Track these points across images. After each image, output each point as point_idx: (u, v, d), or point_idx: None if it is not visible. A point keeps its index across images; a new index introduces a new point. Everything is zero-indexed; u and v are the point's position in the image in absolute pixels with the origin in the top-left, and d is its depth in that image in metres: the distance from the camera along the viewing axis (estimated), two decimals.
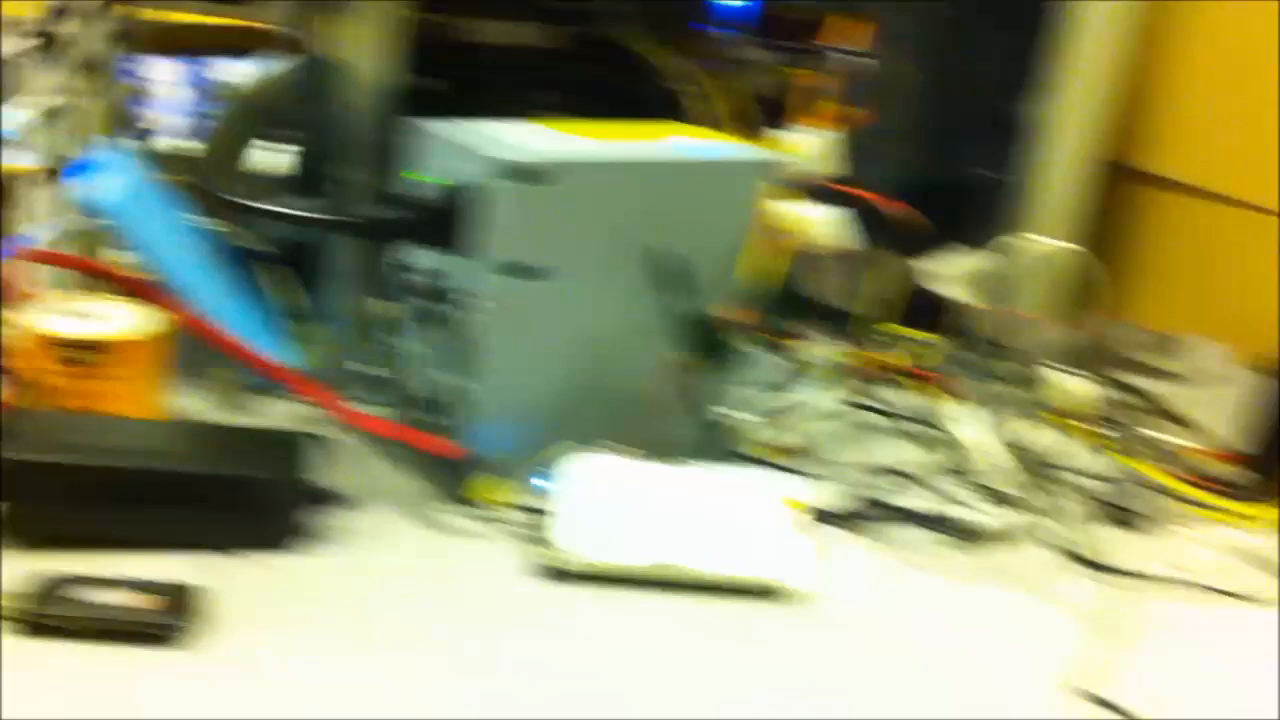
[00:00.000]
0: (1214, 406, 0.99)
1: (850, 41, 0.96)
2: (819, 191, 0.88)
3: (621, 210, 0.80)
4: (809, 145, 0.90)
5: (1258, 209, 1.07)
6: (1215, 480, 0.88)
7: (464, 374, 0.79)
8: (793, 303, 0.98)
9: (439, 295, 0.80)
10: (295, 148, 0.92)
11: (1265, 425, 0.89)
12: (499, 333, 0.78)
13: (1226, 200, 1.09)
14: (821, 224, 0.86)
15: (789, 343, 0.99)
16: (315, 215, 0.82)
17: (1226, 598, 0.78)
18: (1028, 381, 0.97)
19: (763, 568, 0.73)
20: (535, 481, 0.77)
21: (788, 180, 0.86)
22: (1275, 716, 0.67)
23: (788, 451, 0.88)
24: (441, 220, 0.77)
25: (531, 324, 0.79)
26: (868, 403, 0.95)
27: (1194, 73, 1.11)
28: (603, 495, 0.75)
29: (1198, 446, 0.94)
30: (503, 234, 0.77)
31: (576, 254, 0.79)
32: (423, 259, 0.81)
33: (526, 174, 0.76)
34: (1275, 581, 0.80)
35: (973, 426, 0.89)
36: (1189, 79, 1.12)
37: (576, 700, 0.63)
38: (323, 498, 0.75)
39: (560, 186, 0.77)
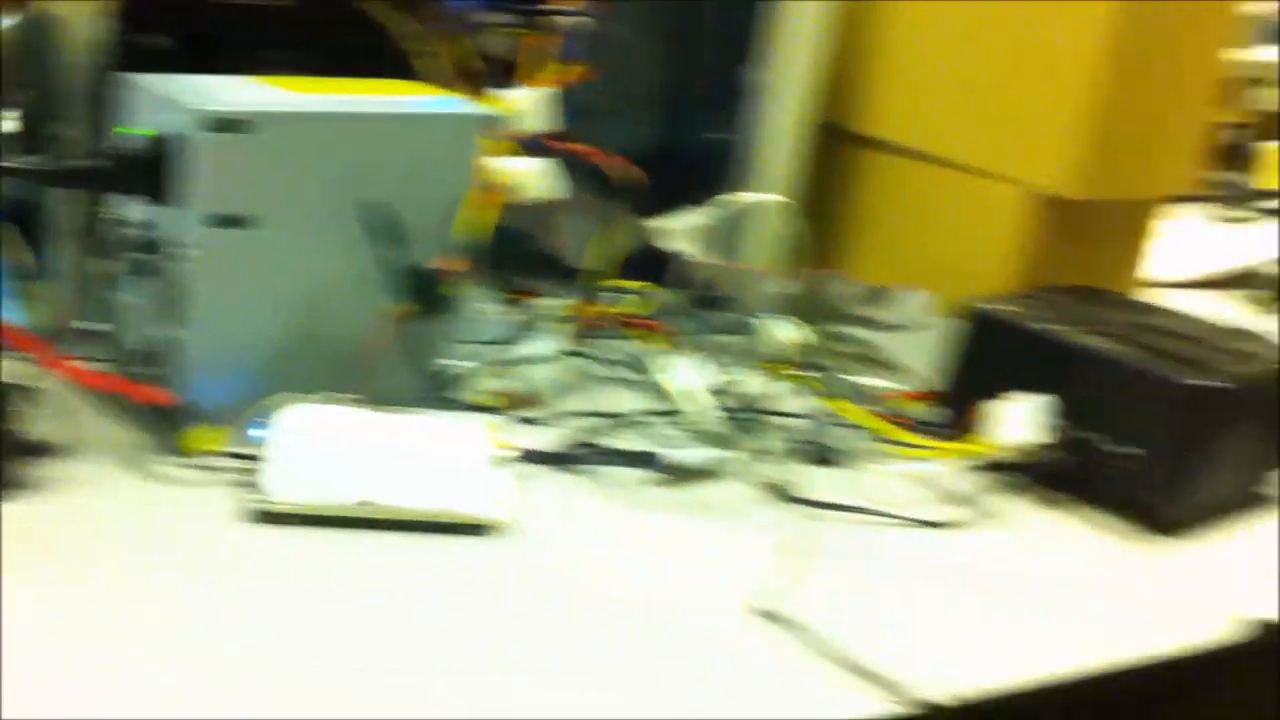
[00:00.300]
0: (918, 351, 1.05)
1: (574, 3, 0.99)
2: (536, 146, 0.92)
3: (334, 162, 0.82)
4: (529, 102, 0.93)
5: (955, 166, 1.13)
6: (912, 419, 0.94)
7: (177, 325, 0.80)
8: (519, 255, 1.01)
9: (151, 247, 0.81)
10: (16, 105, 0.92)
11: (956, 366, 0.95)
12: (209, 283, 0.80)
13: (927, 158, 1.15)
14: (536, 176, 0.90)
15: (515, 295, 1.03)
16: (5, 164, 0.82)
17: (914, 525, 0.84)
18: (742, 330, 1.02)
19: (466, 504, 0.76)
20: (252, 430, 0.79)
21: (506, 135, 0.89)
22: (951, 635, 0.73)
23: (509, 399, 0.91)
24: (145, 170, 0.79)
25: (243, 274, 0.81)
26: (590, 352, 0.99)
27: (897, 36, 1.17)
28: (318, 442, 0.78)
29: (900, 388, 1.00)
30: (207, 184, 0.78)
31: (288, 205, 0.81)
32: (134, 211, 0.82)
33: (225, 124, 0.78)
34: (959, 509, 0.86)
35: (688, 373, 0.93)
36: (893, 42, 1.18)
37: (288, 640, 0.65)
38: (36, 449, 0.76)
39: (263, 137, 0.79)
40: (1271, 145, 1.86)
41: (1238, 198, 1.70)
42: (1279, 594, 0.80)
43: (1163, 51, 1.07)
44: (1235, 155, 1.86)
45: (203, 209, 0.79)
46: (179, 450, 0.79)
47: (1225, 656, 0.76)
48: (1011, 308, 0.94)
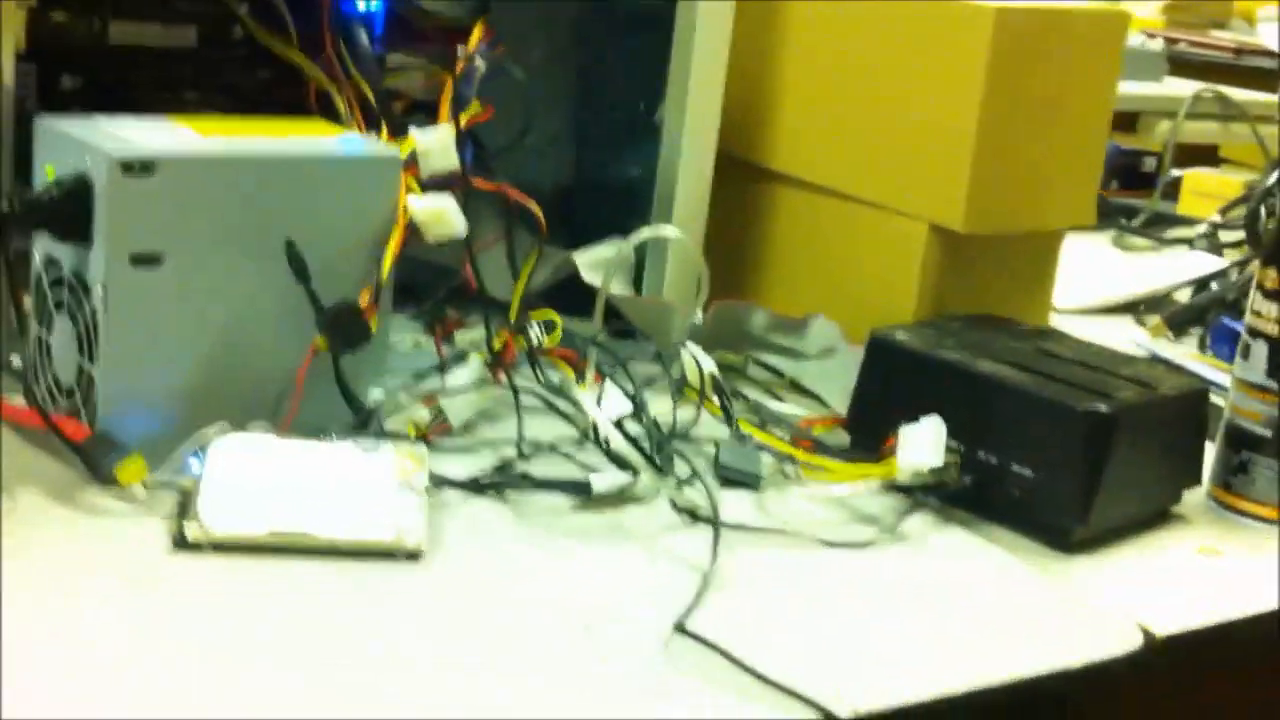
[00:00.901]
0: (830, 378, 1.09)
1: (482, 43, 1.01)
2: (444, 184, 0.94)
3: (243, 203, 0.85)
4: (435, 140, 0.96)
5: (855, 200, 1.17)
6: (824, 444, 0.97)
7: (100, 360, 0.82)
8: (440, 289, 1.03)
9: (71, 286, 0.83)
10: None
11: (859, 392, 0.99)
12: (123, 320, 0.82)
13: (829, 192, 1.18)
14: (445, 214, 0.92)
15: (440, 326, 1.04)
16: None
17: (826, 545, 0.87)
18: (658, 359, 1.05)
19: (380, 532, 0.78)
20: (183, 461, 0.81)
21: (418, 173, 0.92)
22: (864, 651, 0.76)
23: (431, 428, 0.93)
24: (61, 211, 0.81)
25: (162, 311, 0.83)
26: (515, 382, 1.01)
27: (795, 73, 1.20)
28: (247, 472, 0.80)
29: (812, 415, 1.04)
30: (117, 225, 0.81)
31: (200, 243, 0.84)
32: (53, 251, 0.84)
33: (133, 167, 0.80)
34: (869, 530, 0.89)
35: (611, 401, 0.95)
36: (792, 79, 1.21)
37: (213, 667, 0.67)
38: None
39: (171, 179, 0.82)
40: (1193, 172, 1.91)
41: (1144, 224, 1.75)
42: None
43: (1045, 90, 1.11)
44: (1147, 182, 1.92)
45: (114, 249, 0.81)
46: (112, 482, 0.80)
47: (1125, 669, 0.80)
48: (907, 335, 0.98)
